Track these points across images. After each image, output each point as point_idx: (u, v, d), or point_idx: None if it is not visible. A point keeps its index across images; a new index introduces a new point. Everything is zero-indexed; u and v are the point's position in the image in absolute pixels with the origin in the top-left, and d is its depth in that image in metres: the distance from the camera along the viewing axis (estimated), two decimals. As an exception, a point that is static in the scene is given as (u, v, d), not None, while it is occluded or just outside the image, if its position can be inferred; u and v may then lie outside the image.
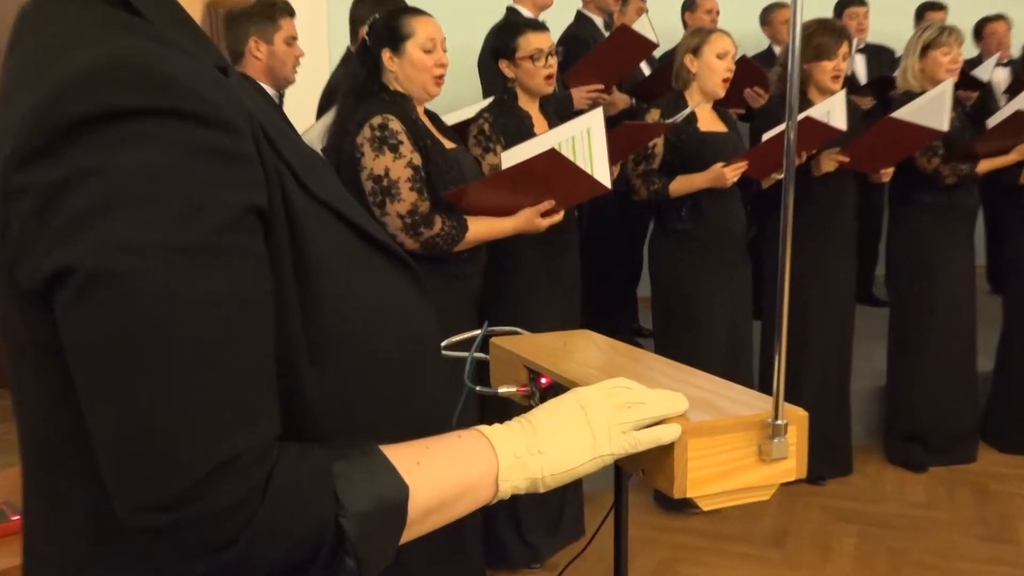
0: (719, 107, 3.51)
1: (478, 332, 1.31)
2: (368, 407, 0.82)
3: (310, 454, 0.74)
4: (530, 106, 3.03)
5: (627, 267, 5.02)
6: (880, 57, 5.44)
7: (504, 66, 3.00)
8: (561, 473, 0.86)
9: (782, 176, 0.93)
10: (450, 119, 2.97)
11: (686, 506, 3.38)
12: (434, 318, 0.91)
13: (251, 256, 0.72)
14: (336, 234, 0.81)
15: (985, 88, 4.63)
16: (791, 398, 0.96)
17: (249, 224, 0.72)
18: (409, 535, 0.78)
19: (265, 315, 0.73)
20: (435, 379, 0.91)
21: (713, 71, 3.35)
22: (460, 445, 0.83)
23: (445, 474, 0.80)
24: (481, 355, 1.29)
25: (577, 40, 4.35)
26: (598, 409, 0.89)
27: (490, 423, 0.87)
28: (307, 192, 0.78)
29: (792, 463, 0.96)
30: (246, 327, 0.71)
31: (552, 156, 2.54)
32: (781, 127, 3.24)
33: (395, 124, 2.50)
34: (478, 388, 1.19)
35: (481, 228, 2.63)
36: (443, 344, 1.05)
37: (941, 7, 5.54)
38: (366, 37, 2.64)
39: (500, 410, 2.52)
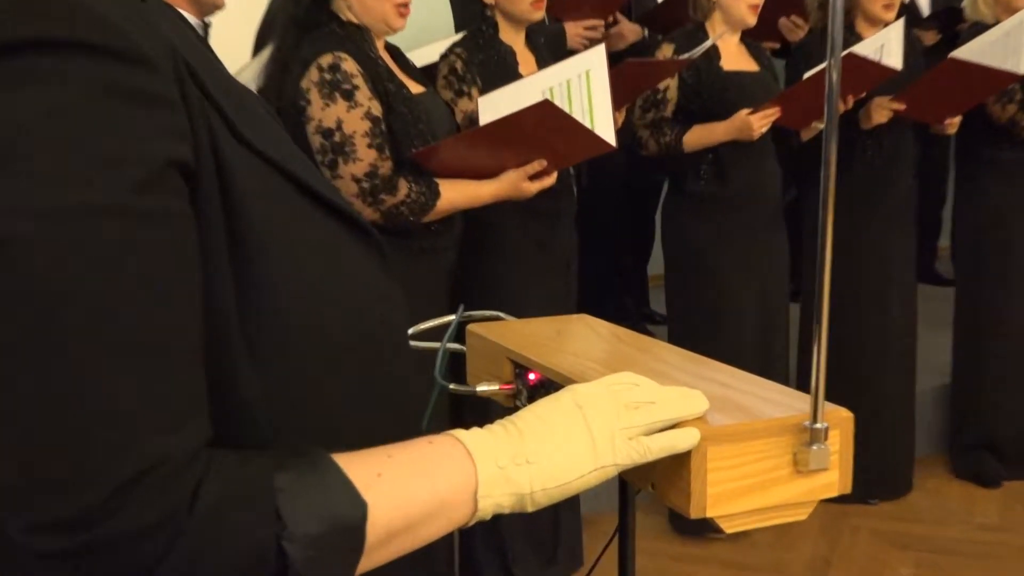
0: (748, 40, 3.51)
1: (452, 317, 1.32)
2: (318, 405, 0.83)
3: (247, 463, 0.74)
4: (514, 39, 3.02)
5: (635, 239, 5.03)
6: (946, -20, 5.44)
7: (482, -10, 2.99)
8: (554, 488, 0.87)
9: (824, 126, 0.94)
10: (417, 58, 2.96)
11: (706, 529, 3.40)
12: (402, 299, 0.91)
13: (173, 219, 0.72)
14: (278, 193, 0.81)
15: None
16: (836, 398, 0.97)
17: (171, 181, 0.72)
18: (369, 562, 0.78)
19: (191, 293, 0.74)
20: (401, 373, 0.91)
21: (738, -4, 3.35)
22: (431, 453, 0.84)
23: (412, 488, 0.81)
24: (456, 346, 1.30)
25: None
26: (599, 410, 0.90)
27: (467, 427, 0.87)
28: (242, 142, 0.79)
29: (834, 476, 0.97)
30: (168, 307, 0.71)
31: (546, 108, 2.53)
32: (822, 66, 3.24)
33: (349, 64, 2.48)
34: (452, 386, 1.20)
35: (456, 194, 2.63)
36: (410, 332, 1.05)
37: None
38: (312, -46, 2.62)
39: (479, 412, 2.53)
